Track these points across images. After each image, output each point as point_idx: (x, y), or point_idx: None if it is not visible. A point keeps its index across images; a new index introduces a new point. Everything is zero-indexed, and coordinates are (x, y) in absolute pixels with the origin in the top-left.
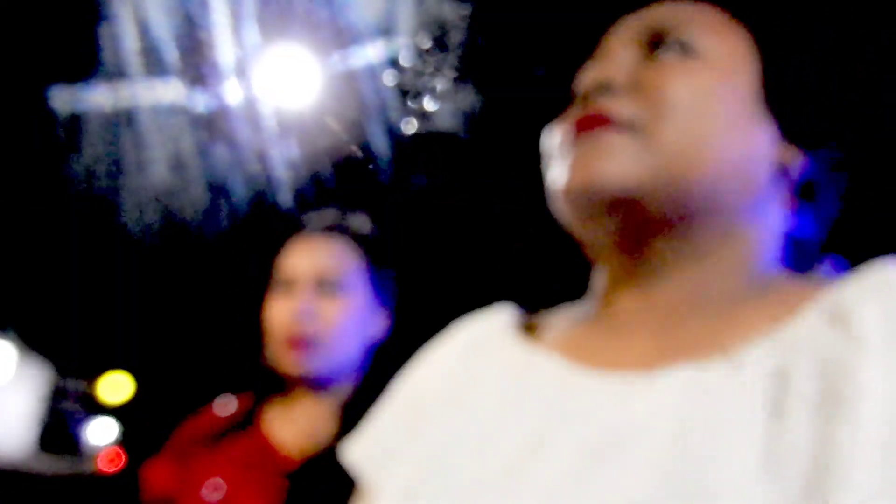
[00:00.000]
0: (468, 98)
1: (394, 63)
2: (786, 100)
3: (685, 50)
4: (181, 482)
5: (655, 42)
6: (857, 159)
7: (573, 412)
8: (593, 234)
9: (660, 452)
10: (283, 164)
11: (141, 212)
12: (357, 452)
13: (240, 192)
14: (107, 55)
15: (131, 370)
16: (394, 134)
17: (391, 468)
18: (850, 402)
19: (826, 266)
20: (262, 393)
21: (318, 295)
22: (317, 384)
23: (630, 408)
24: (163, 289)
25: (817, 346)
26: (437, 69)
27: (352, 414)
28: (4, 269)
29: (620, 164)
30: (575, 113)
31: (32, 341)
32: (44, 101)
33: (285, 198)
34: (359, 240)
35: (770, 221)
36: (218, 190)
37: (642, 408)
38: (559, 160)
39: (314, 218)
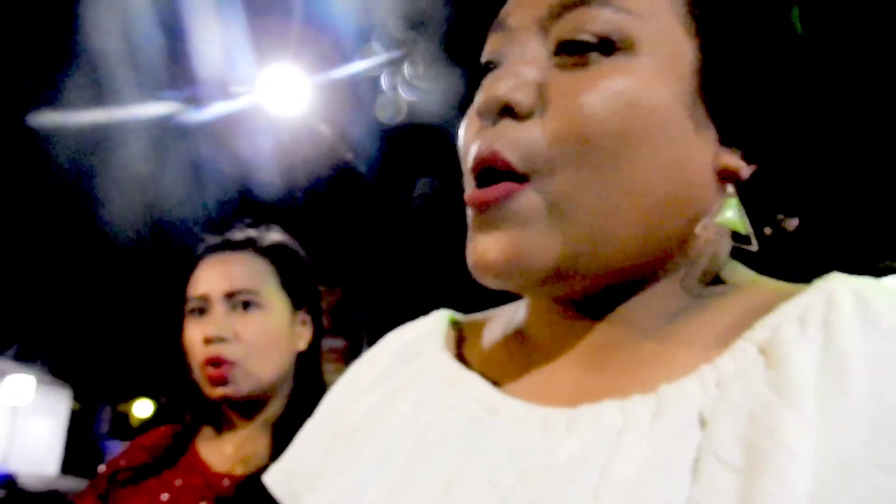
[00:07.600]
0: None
1: (381, 67)
2: (727, 99)
3: (606, 47)
4: None
5: (568, 41)
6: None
7: (488, 450)
8: (514, 290)
9: None
10: (274, 176)
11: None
12: (277, 478)
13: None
14: (95, 73)
15: (154, 395)
16: (382, 136)
17: (310, 498)
18: (775, 464)
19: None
20: (197, 418)
21: (232, 312)
22: (244, 406)
23: (549, 452)
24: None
25: (744, 389)
26: (422, 65)
27: (283, 432)
28: (30, 298)
29: (535, 243)
30: (475, 148)
31: (58, 369)
32: (39, 130)
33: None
34: (267, 251)
35: (715, 230)
36: (218, 213)
37: (563, 454)
38: (469, 224)
39: (218, 236)
